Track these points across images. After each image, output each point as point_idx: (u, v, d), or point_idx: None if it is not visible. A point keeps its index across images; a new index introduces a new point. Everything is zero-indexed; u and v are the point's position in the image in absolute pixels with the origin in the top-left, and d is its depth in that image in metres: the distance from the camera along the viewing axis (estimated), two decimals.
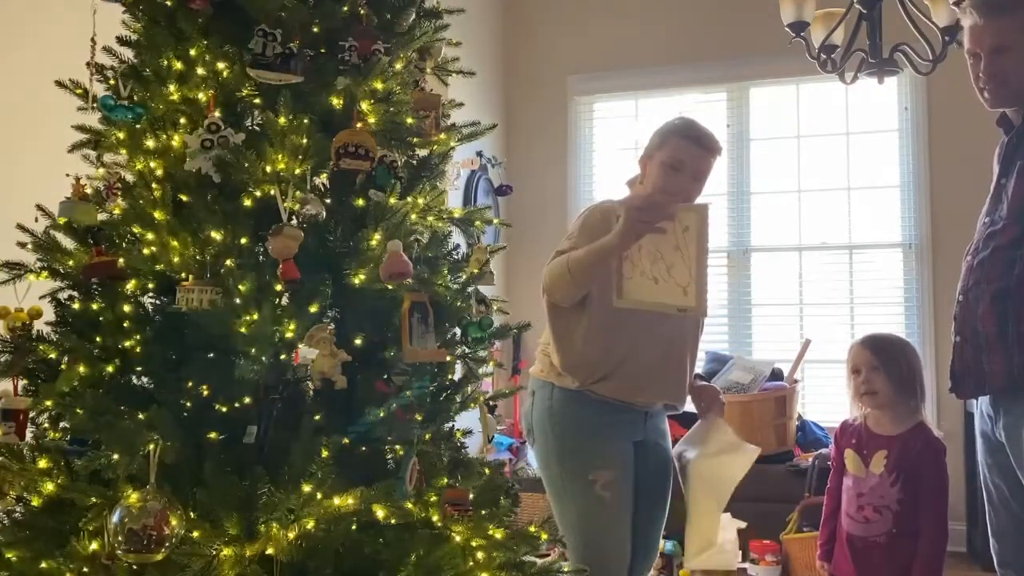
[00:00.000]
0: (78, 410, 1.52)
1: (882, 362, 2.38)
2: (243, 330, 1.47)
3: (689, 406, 2.49)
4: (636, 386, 2.29)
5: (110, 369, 1.57)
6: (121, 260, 1.61)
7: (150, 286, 1.64)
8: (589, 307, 2.24)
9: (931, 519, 2.31)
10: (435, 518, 1.59)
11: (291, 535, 1.42)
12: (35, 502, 1.60)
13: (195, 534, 1.43)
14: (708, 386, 2.51)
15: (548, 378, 2.31)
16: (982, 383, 2.05)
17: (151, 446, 1.44)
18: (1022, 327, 1.96)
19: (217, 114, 1.58)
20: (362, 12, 1.70)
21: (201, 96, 1.63)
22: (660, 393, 2.35)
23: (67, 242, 1.72)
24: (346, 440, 1.56)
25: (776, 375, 4.28)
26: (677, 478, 2.47)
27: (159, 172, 1.62)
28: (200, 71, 1.64)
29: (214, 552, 1.39)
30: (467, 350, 1.83)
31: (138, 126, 1.65)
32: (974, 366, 2.05)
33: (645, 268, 2.02)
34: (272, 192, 1.55)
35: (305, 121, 1.58)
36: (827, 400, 4.67)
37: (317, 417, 1.53)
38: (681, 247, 1.92)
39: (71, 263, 1.69)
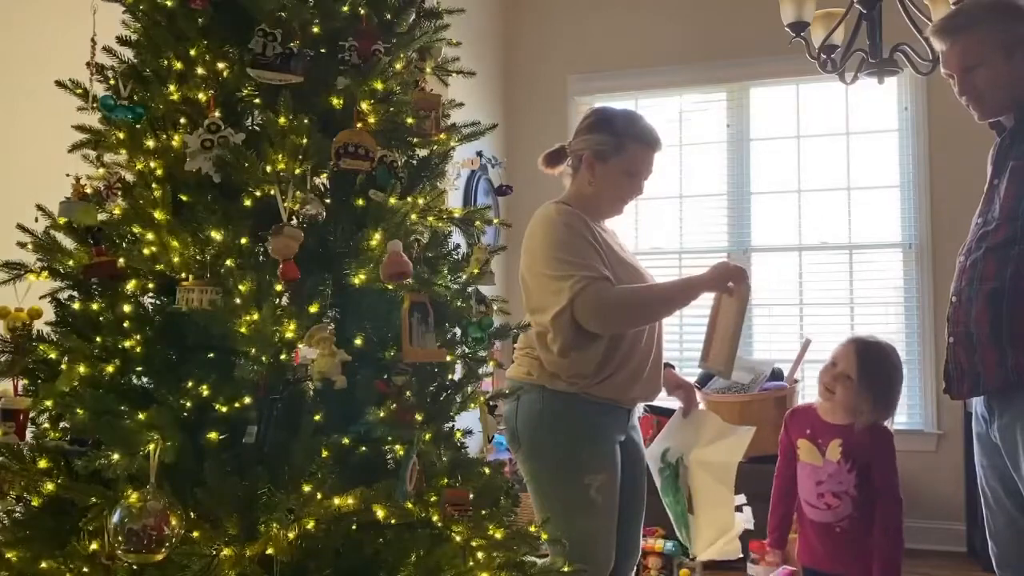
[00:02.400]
0: (78, 410, 1.52)
1: (858, 377, 2.39)
2: (243, 330, 1.47)
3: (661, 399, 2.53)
4: (631, 385, 2.29)
5: (110, 369, 1.56)
6: (121, 260, 1.61)
7: (150, 286, 1.63)
8: None
9: (886, 505, 2.37)
10: (435, 518, 1.59)
11: (291, 535, 1.42)
12: (35, 502, 1.60)
13: (195, 534, 1.43)
14: (686, 382, 2.56)
15: (538, 380, 2.27)
16: (976, 384, 2.05)
17: (151, 446, 1.44)
18: (1016, 327, 1.96)
19: (217, 114, 1.58)
20: (362, 12, 1.70)
21: (201, 96, 1.63)
22: (648, 390, 2.36)
23: (67, 242, 1.71)
24: (346, 440, 1.55)
25: (776, 375, 4.29)
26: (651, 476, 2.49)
27: (159, 172, 1.62)
28: (200, 71, 1.64)
29: (214, 552, 1.39)
30: (467, 350, 1.82)
31: (138, 126, 1.65)
32: (968, 367, 2.06)
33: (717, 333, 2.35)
34: (272, 192, 1.55)
35: (305, 121, 1.58)
36: None
37: (317, 417, 1.52)
38: (729, 315, 2.29)
39: (71, 263, 1.69)
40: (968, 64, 2.07)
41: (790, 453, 2.52)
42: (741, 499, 2.49)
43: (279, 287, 1.52)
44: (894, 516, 2.36)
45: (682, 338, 5.01)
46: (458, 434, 1.83)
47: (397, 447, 1.59)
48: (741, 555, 2.48)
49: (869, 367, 2.40)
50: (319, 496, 1.46)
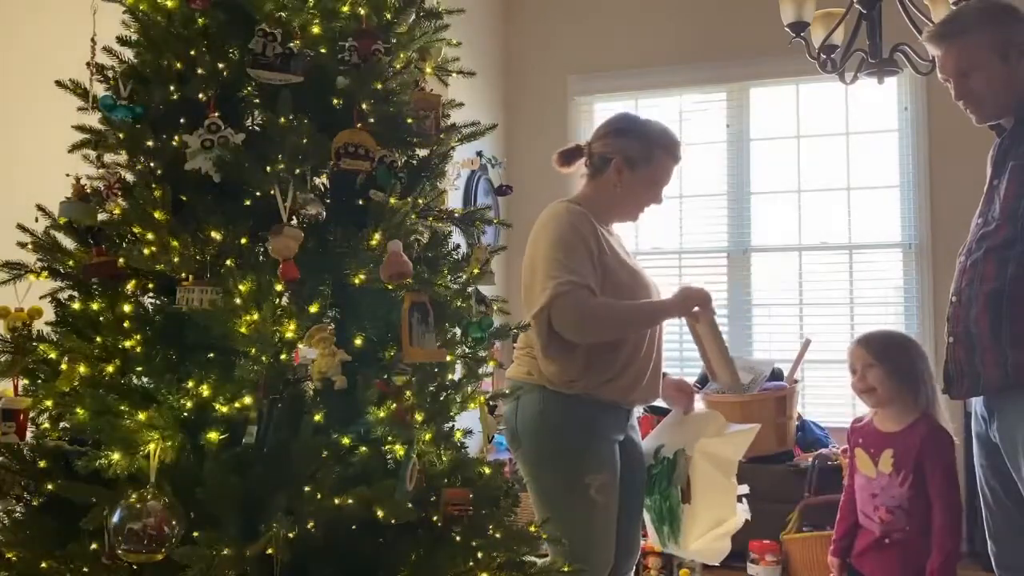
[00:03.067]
0: (78, 410, 1.52)
1: (877, 358, 2.38)
2: (243, 330, 1.47)
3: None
4: (633, 386, 2.29)
5: (110, 369, 1.56)
6: (121, 260, 1.61)
7: (150, 286, 1.64)
8: None
9: (942, 513, 2.27)
10: (435, 518, 1.59)
11: (291, 535, 1.42)
12: (35, 502, 1.60)
13: (195, 534, 1.43)
14: (685, 383, 2.57)
15: (538, 380, 2.27)
16: (976, 384, 2.06)
17: (151, 446, 1.44)
18: (1016, 328, 1.96)
19: (217, 114, 1.58)
20: (362, 12, 1.70)
21: (201, 96, 1.63)
22: (647, 394, 2.36)
23: (67, 242, 1.71)
24: (346, 440, 1.56)
25: (776, 375, 4.28)
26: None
27: (159, 172, 1.62)
28: (200, 71, 1.64)
29: (214, 552, 1.39)
30: (467, 350, 1.82)
31: (138, 126, 1.65)
32: (967, 367, 2.06)
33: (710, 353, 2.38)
34: (272, 192, 1.55)
35: (305, 121, 1.58)
36: (827, 400, 4.67)
37: (317, 417, 1.52)
38: (708, 337, 2.34)
39: (71, 263, 1.69)
40: (964, 68, 2.08)
41: (854, 466, 2.48)
42: (744, 489, 2.49)
43: (279, 287, 1.52)
44: (953, 524, 2.26)
45: (682, 343, 5.00)
46: (458, 434, 1.83)
47: (397, 447, 1.59)
48: (719, 563, 2.46)
49: (880, 346, 2.40)
50: (319, 496, 1.46)
